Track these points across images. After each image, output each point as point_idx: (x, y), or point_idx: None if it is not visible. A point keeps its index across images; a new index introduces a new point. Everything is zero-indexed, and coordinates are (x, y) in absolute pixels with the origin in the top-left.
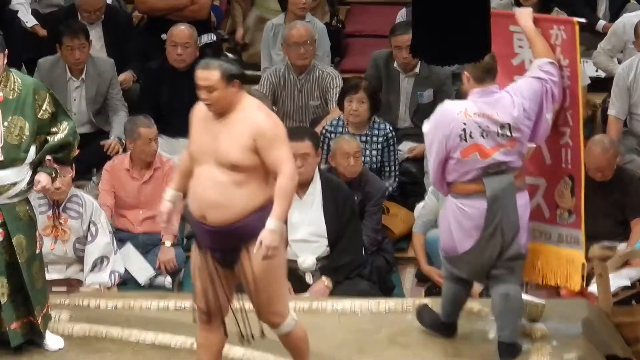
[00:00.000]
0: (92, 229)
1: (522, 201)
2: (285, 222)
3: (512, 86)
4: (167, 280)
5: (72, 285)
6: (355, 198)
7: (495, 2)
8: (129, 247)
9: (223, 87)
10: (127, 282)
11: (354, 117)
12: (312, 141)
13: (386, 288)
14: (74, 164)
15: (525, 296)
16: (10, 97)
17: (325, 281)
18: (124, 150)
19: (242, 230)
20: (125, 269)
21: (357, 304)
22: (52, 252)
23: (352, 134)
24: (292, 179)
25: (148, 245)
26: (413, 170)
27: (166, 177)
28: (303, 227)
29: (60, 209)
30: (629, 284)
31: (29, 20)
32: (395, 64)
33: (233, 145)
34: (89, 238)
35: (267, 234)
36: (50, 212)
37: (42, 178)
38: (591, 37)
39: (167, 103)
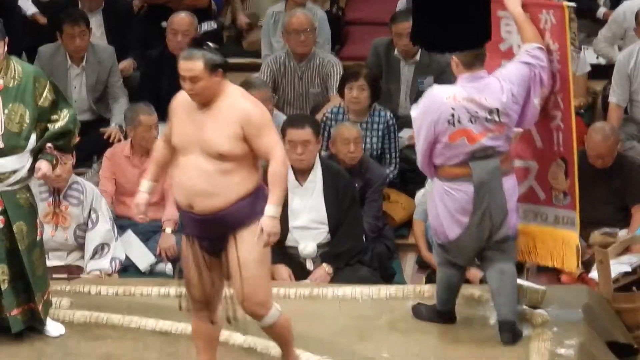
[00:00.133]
0: (93, 216)
1: (509, 184)
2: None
3: (500, 71)
4: (168, 267)
5: (73, 272)
6: (356, 185)
7: None
8: (129, 234)
9: (207, 77)
10: (127, 269)
11: (355, 105)
12: (313, 129)
13: (387, 275)
14: (74, 152)
15: (525, 282)
16: (11, 85)
17: (326, 268)
18: (125, 138)
19: (229, 218)
20: (126, 256)
21: (358, 291)
22: (52, 239)
23: (353, 121)
24: (284, 164)
25: (149, 232)
26: (413, 157)
27: None
28: (304, 214)
29: (61, 196)
30: (630, 270)
31: (29, 8)
32: (395, 52)
33: (220, 134)
34: (90, 225)
35: (268, 221)
36: (50, 199)
37: (43, 165)
38: (591, 24)
39: (168, 91)
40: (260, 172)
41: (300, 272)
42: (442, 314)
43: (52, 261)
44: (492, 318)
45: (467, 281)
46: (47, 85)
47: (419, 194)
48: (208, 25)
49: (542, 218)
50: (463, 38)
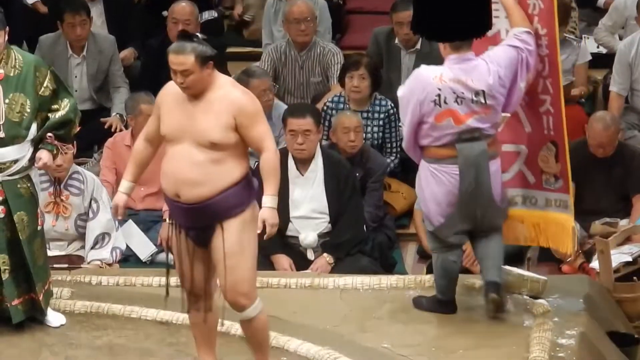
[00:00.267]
0: (94, 205)
1: (494, 167)
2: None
3: (488, 54)
4: (170, 257)
5: (74, 261)
6: (357, 174)
7: None
8: (130, 224)
9: (198, 70)
10: (128, 259)
11: (355, 94)
12: (314, 118)
13: (387, 264)
14: (75, 141)
15: (526, 273)
16: (11, 75)
17: (327, 257)
18: (126, 127)
19: (216, 207)
20: (127, 246)
21: (359, 281)
22: (53, 229)
23: (354, 110)
24: (276, 153)
25: (149, 222)
26: None
27: None
28: (305, 204)
29: (62, 185)
30: (631, 260)
31: None
32: (396, 41)
33: (213, 124)
34: (91, 215)
35: (268, 212)
36: (51, 189)
37: (44, 155)
38: (592, 13)
39: (168, 80)
40: (248, 161)
41: (301, 262)
42: (443, 304)
43: (52, 251)
44: None
45: (468, 271)
46: (48, 74)
47: None
48: (209, 14)
49: (532, 202)
50: (463, 27)
